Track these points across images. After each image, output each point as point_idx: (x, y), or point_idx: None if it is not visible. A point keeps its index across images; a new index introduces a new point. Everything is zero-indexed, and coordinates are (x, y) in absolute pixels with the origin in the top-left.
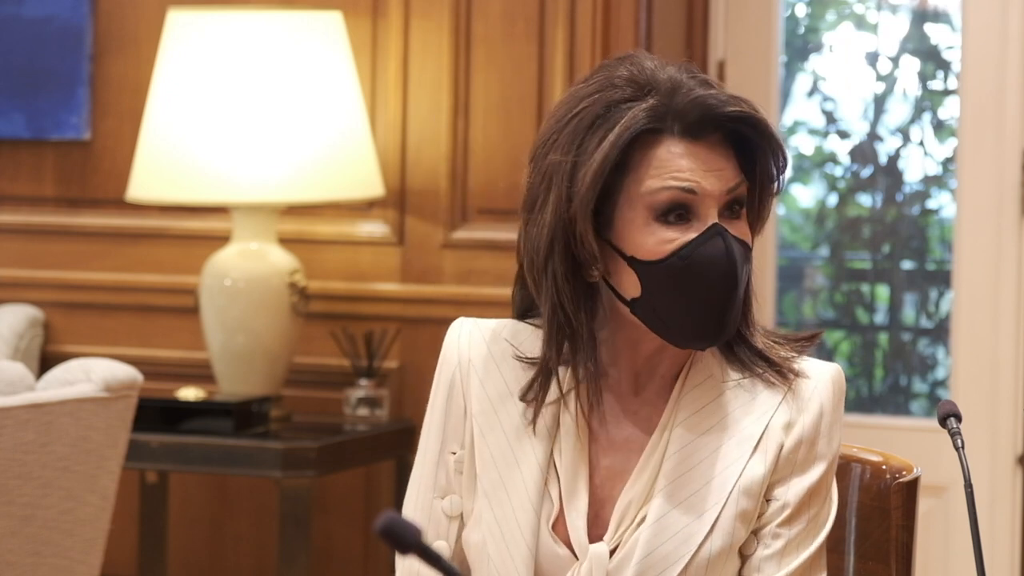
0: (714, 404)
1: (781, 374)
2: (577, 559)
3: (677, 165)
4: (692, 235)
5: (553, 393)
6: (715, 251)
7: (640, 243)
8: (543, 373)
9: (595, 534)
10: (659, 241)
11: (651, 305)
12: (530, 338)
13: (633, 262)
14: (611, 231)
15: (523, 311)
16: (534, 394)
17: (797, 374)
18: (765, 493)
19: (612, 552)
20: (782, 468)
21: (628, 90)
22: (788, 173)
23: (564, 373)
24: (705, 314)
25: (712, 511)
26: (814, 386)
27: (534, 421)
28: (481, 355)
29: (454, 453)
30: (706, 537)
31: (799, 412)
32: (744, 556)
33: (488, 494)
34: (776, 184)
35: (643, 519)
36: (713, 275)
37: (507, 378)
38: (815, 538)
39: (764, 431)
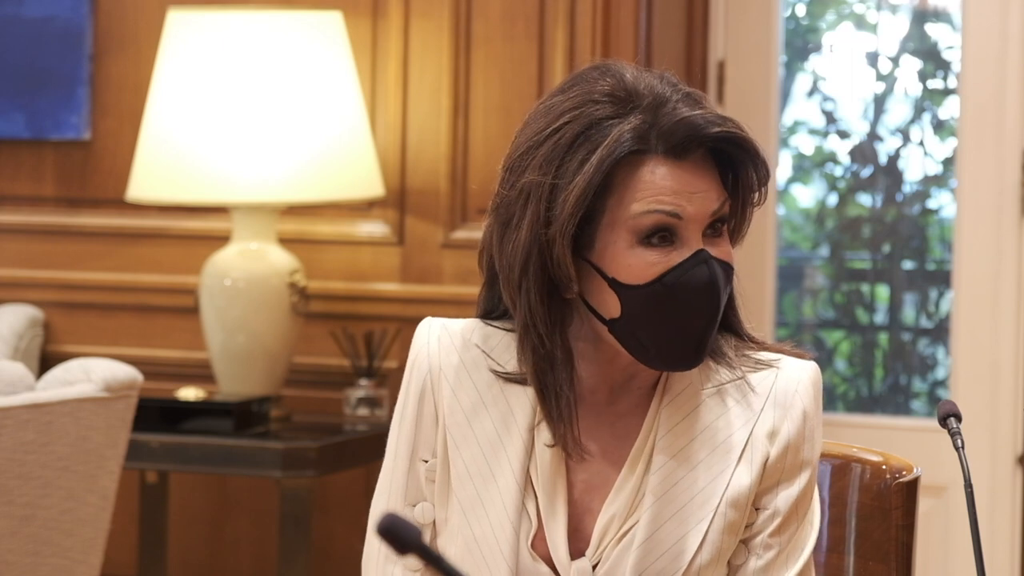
0: (695, 414)
1: (760, 378)
2: (558, 575)
3: (661, 188)
4: (676, 260)
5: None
6: (699, 278)
7: (622, 265)
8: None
9: (574, 549)
10: (642, 264)
11: (630, 327)
12: (501, 344)
13: (614, 284)
14: (591, 251)
15: (487, 311)
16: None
17: (776, 377)
18: (754, 502)
19: (593, 567)
20: (769, 476)
21: (609, 107)
22: (774, 182)
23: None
24: (684, 340)
25: (701, 525)
26: (795, 390)
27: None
28: (452, 363)
29: (425, 461)
30: (696, 552)
31: (783, 419)
32: (733, 566)
33: (465, 510)
34: (757, 195)
35: (625, 534)
36: (696, 303)
37: (480, 388)
38: (804, 547)
39: (748, 439)
